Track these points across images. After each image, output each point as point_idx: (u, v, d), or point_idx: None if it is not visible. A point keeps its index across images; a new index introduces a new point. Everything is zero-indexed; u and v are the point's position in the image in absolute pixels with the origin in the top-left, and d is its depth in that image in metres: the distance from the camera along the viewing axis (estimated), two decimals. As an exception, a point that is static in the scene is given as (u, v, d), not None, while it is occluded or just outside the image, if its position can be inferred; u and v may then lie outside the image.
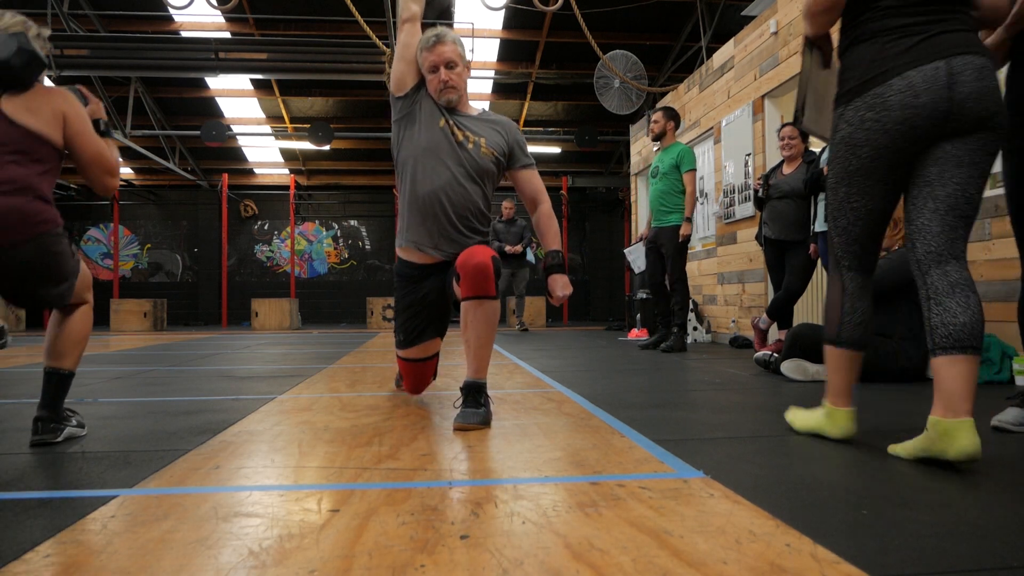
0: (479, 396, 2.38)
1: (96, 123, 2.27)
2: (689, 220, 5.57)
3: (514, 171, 2.72)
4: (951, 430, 1.67)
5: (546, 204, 2.72)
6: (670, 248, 5.62)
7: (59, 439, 2.13)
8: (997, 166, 3.88)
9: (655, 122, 5.85)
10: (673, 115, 5.87)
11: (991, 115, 1.80)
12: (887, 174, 1.91)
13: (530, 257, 9.33)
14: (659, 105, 6.97)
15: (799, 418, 2.21)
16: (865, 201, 1.96)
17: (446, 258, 2.60)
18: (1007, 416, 2.23)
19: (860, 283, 2.04)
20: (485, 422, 2.32)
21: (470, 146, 2.58)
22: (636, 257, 6.56)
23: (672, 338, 5.66)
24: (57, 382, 2.15)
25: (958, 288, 1.78)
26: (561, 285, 2.58)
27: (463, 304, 2.39)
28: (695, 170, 5.71)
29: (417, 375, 2.83)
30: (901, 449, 1.84)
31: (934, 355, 1.77)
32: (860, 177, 1.93)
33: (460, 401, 2.42)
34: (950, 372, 1.73)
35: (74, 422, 2.23)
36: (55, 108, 2.09)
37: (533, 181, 2.72)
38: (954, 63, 1.78)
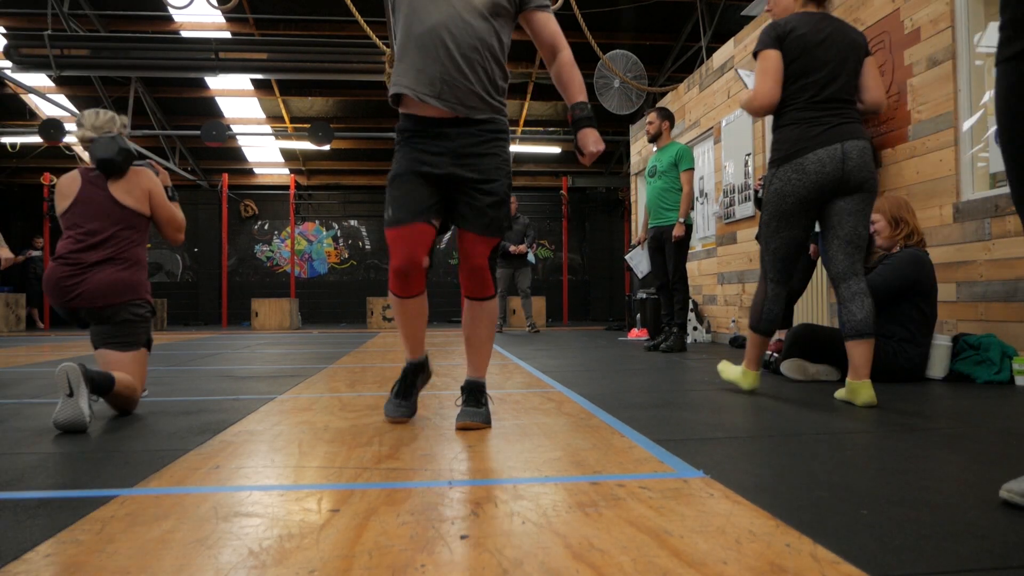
0: (480, 396, 2.39)
1: (165, 189, 2.94)
2: (683, 222, 5.55)
3: (528, 12, 2.34)
4: (858, 388, 2.72)
5: (566, 52, 2.37)
6: (671, 247, 5.61)
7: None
8: (998, 165, 3.89)
9: (650, 123, 5.87)
10: (667, 115, 5.88)
11: (865, 180, 2.76)
12: (805, 214, 2.84)
13: (530, 258, 9.29)
14: (658, 105, 6.93)
15: (725, 371, 3.27)
16: (790, 232, 2.87)
17: (452, 112, 2.23)
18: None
19: (776, 292, 2.93)
20: (487, 421, 2.33)
21: None
22: (638, 262, 6.49)
23: (672, 338, 5.65)
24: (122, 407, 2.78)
25: (856, 296, 2.76)
26: (593, 140, 2.30)
27: (465, 301, 2.43)
28: (693, 169, 5.72)
29: (403, 253, 2.28)
30: (838, 394, 2.88)
31: (846, 339, 2.78)
32: (788, 216, 2.85)
33: (461, 400, 2.43)
34: (854, 351, 2.75)
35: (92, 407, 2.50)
36: (143, 187, 2.84)
37: (550, 25, 2.35)
38: (846, 146, 2.74)
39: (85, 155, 2.91)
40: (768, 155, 5.63)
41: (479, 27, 2.20)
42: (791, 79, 2.83)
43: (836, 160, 2.72)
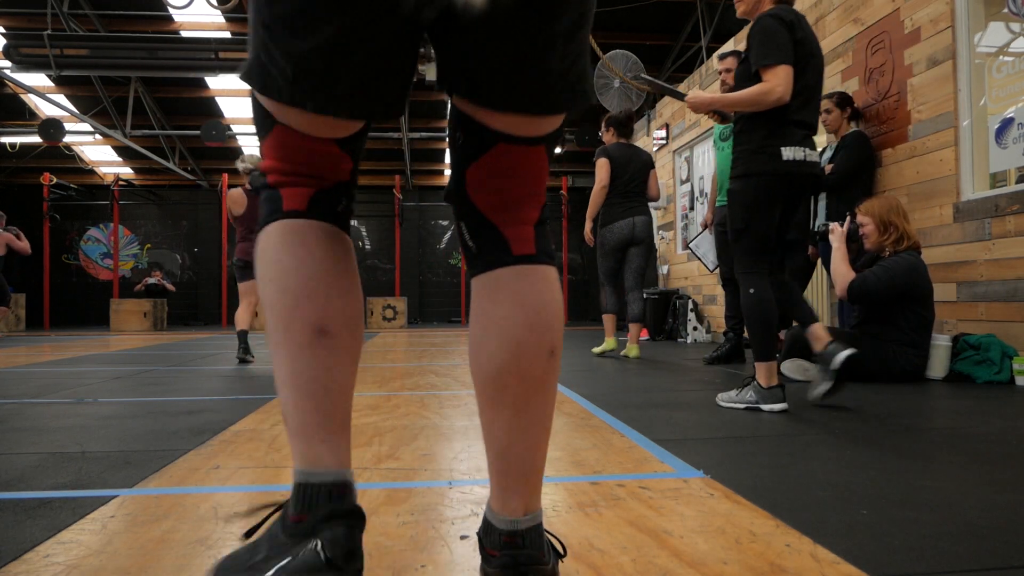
0: None
1: None
2: None
3: None
4: (632, 348, 5.08)
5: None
6: None
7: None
8: (998, 165, 3.89)
9: (728, 71, 4.68)
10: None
11: (644, 239, 5.10)
12: (616, 254, 5.13)
13: None
14: (723, 53, 5.02)
15: (596, 349, 5.42)
16: (611, 263, 5.15)
17: None
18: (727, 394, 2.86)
19: (612, 291, 5.17)
20: None
21: None
22: (707, 250, 5.51)
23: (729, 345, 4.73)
24: (243, 335, 4.92)
25: (637, 300, 5.14)
26: None
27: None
28: None
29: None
30: (622, 352, 5.12)
31: (630, 323, 5.14)
32: (607, 255, 5.14)
33: None
34: (633, 329, 5.16)
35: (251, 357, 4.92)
36: None
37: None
38: (635, 219, 5.08)
39: (240, 165, 4.95)
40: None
41: None
42: (611, 181, 5.10)
43: (629, 227, 5.07)
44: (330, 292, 0.89)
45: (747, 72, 2.71)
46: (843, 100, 4.53)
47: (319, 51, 0.79)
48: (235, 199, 5.00)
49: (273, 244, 0.90)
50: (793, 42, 2.65)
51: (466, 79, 0.85)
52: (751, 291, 2.69)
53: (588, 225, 5.27)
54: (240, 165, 4.92)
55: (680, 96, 2.97)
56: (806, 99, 2.69)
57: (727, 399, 2.77)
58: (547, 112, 0.88)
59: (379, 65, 0.83)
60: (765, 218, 2.69)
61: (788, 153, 2.64)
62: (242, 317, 4.99)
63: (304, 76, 0.81)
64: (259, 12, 0.81)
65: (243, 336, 4.94)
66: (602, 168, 5.04)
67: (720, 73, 4.82)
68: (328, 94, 0.83)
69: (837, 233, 3.67)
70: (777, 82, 2.59)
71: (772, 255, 2.78)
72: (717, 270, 5.22)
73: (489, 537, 0.92)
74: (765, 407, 2.63)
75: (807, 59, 2.69)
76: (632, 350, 4.99)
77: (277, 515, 0.93)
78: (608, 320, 5.21)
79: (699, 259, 5.73)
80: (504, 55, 0.82)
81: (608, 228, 5.02)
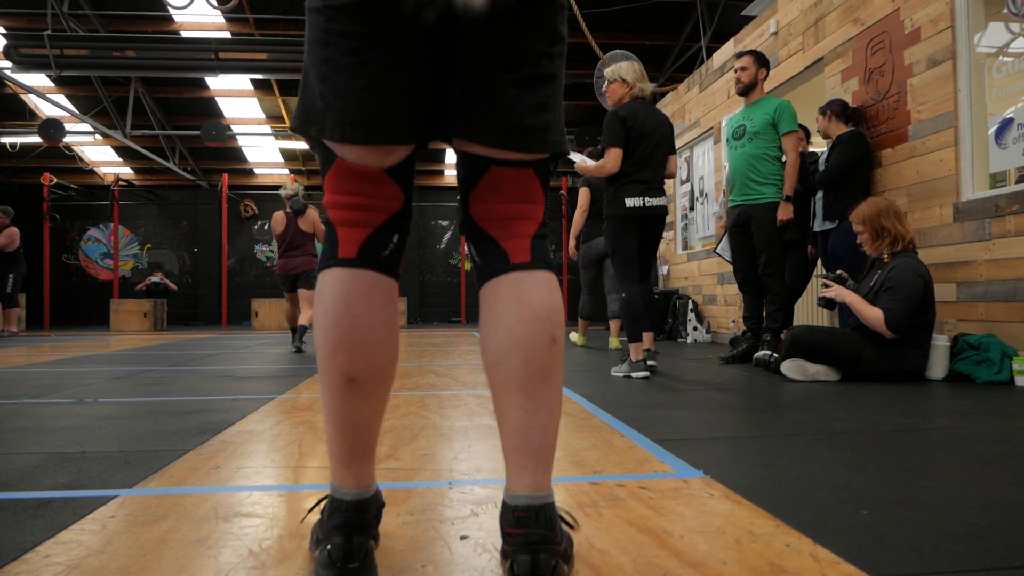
0: None
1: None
2: (789, 199, 4.41)
3: None
4: (612, 341, 6.08)
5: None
6: (764, 232, 4.47)
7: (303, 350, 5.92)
8: (998, 165, 3.89)
9: (743, 69, 4.57)
10: (764, 62, 4.62)
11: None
12: (595, 265, 6.15)
13: None
14: (740, 52, 4.76)
15: (575, 341, 6.60)
16: (591, 273, 6.18)
17: None
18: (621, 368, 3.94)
19: (591, 297, 6.30)
20: None
21: None
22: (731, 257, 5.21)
23: (765, 347, 4.41)
24: (301, 329, 5.96)
25: (615, 301, 5.77)
26: None
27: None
28: (798, 131, 4.50)
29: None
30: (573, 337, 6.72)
31: (611, 319, 6.04)
32: (587, 266, 6.21)
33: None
34: (612, 325, 6.01)
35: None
36: (310, 220, 6.11)
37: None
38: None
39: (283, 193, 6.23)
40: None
41: None
42: (591, 205, 5.79)
43: (602, 246, 5.52)
44: (361, 346, 1.01)
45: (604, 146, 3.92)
46: (826, 107, 4.72)
47: (364, 90, 0.96)
48: (277, 220, 6.16)
49: (327, 291, 1.03)
50: (625, 130, 3.83)
51: (457, 125, 1.03)
52: (623, 295, 3.88)
53: (572, 243, 6.32)
54: (283, 192, 6.18)
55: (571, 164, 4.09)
56: (642, 164, 3.85)
57: (619, 371, 3.87)
58: (515, 150, 1.03)
59: (412, 95, 0.99)
60: (626, 244, 3.88)
61: (630, 202, 3.83)
62: (292, 315, 6.27)
63: (352, 114, 0.97)
64: (315, 67, 0.98)
65: (301, 330, 6.03)
66: (583, 196, 5.86)
67: (736, 71, 4.67)
68: (375, 127, 0.98)
69: (836, 290, 3.68)
70: (608, 160, 3.85)
71: (636, 268, 3.92)
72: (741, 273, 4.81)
73: (504, 516, 1.00)
74: (635, 375, 3.78)
75: (639, 140, 3.85)
76: (613, 342, 5.83)
77: (319, 506, 1.15)
78: (582, 324, 6.50)
79: (729, 263, 5.09)
80: (479, 101, 1.00)
81: (588, 244, 5.72)
